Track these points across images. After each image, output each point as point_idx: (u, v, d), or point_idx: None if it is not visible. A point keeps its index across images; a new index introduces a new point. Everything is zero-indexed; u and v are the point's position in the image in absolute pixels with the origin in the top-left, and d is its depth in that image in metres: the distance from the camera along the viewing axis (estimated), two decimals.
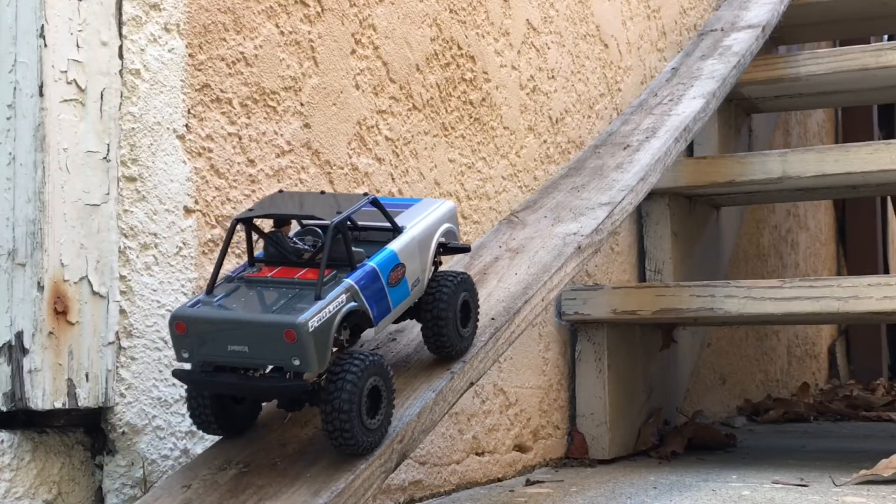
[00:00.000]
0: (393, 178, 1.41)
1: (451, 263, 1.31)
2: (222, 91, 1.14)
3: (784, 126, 3.05)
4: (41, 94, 0.96)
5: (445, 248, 1.04)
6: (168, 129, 1.08)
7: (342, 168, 1.32)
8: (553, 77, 1.80)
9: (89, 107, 1.00)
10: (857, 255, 3.80)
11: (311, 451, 0.96)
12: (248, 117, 1.18)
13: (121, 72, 1.03)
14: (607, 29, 2.01)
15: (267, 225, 0.99)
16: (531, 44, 1.75)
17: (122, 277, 1.02)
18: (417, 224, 1.00)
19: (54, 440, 0.99)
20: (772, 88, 2.36)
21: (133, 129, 1.04)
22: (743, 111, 2.49)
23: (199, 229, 1.11)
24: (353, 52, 1.35)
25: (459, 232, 1.08)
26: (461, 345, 1.04)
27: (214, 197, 1.13)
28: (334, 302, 0.86)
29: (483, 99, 1.61)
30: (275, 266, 0.91)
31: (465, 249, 1.05)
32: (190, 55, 1.11)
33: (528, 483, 1.57)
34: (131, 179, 1.04)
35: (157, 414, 1.05)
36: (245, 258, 1.00)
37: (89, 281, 0.99)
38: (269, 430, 1.00)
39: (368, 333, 0.94)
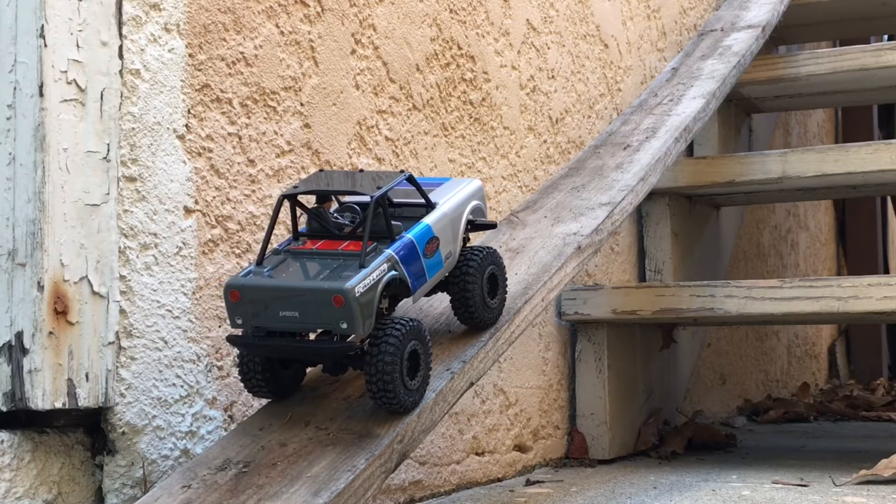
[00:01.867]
0: None
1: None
2: (222, 91, 1.15)
3: (784, 126, 3.05)
4: (41, 94, 0.96)
5: (473, 225, 1.09)
6: (168, 129, 1.08)
7: (342, 168, 1.32)
8: (553, 77, 1.80)
9: (89, 107, 1.00)
10: (857, 255, 3.79)
11: (312, 451, 0.96)
12: (248, 117, 1.18)
13: (121, 72, 1.03)
14: (607, 29, 2.01)
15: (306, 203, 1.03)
16: (531, 44, 1.75)
17: (122, 277, 1.02)
18: (449, 200, 1.06)
19: (54, 440, 0.99)
20: (772, 88, 2.36)
21: (133, 129, 1.04)
22: (743, 111, 2.49)
23: (199, 229, 1.11)
24: (353, 52, 1.35)
25: (487, 209, 1.14)
26: (488, 315, 1.10)
27: (214, 197, 1.13)
28: (377, 270, 0.93)
29: (483, 99, 1.61)
30: (318, 239, 0.98)
31: (492, 226, 1.10)
32: (190, 55, 1.11)
33: (528, 483, 1.57)
34: (131, 179, 1.04)
35: (157, 414, 1.05)
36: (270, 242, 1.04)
37: (89, 281, 0.99)
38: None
39: (406, 303, 1.01)
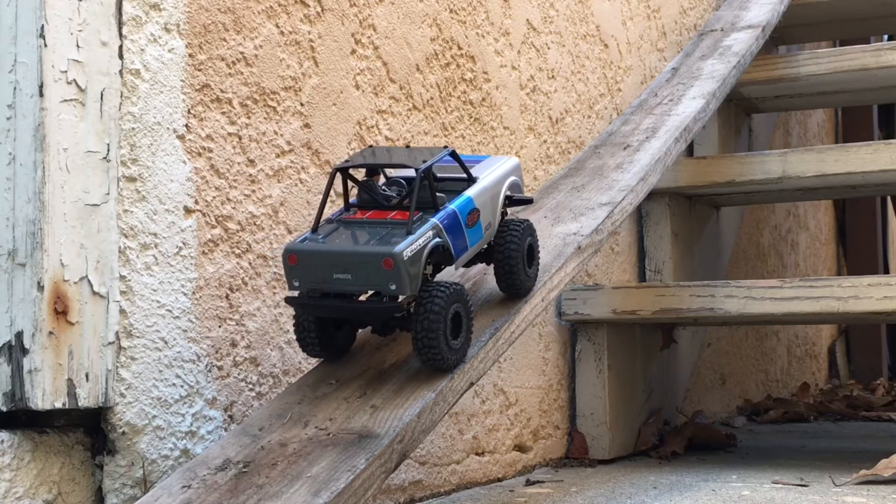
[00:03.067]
0: None
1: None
2: (222, 91, 1.15)
3: (784, 126, 3.05)
4: (41, 94, 0.96)
5: (511, 200, 1.15)
6: (168, 129, 1.08)
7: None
8: (553, 77, 1.80)
9: (89, 107, 1.00)
10: (857, 255, 3.79)
11: (312, 451, 0.96)
12: (248, 117, 1.18)
13: (121, 72, 1.03)
14: (607, 29, 2.01)
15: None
16: (531, 44, 1.75)
17: (122, 277, 1.02)
18: (488, 175, 1.13)
19: (54, 440, 0.99)
20: (772, 88, 2.36)
21: (133, 129, 1.04)
22: (743, 111, 2.49)
23: (199, 229, 1.11)
24: (353, 52, 1.35)
25: (523, 185, 1.19)
26: (528, 283, 1.16)
27: (214, 197, 1.13)
28: (423, 237, 1.00)
29: (483, 99, 1.61)
30: (367, 210, 1.05)
31: (528, 201, 1.17)
32: (190, 55, 1.11)
33: (528, 483, 1.57)
34: (131, 179, 1.04)
35: (157, 414, 1.05)
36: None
37: (89, 281, 0.99)
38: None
39: (448, 271, 1.08)
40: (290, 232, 1.23)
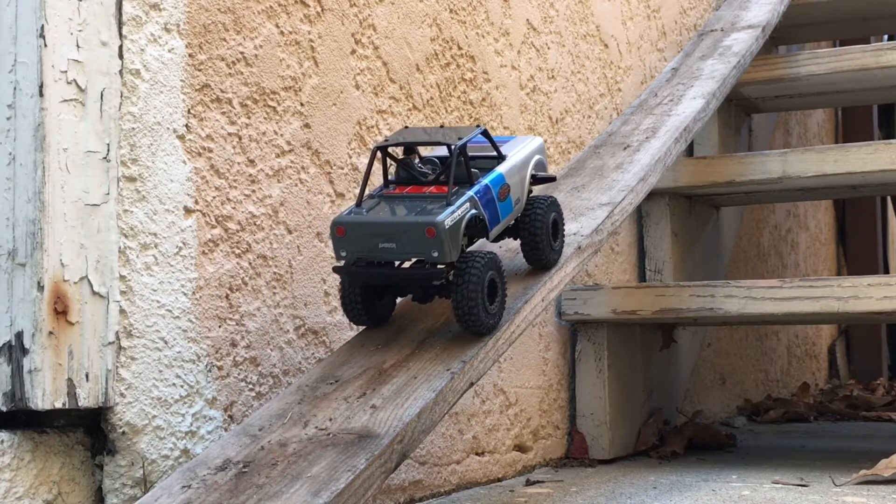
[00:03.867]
0: None
1: None
2: (222, 91, 1.15)
3: (784, 126, 3.05)
4: (41, 94, 0.96)
5: (535, 179, 1.21)
6: (168, 129, 1.08)
7: (342, 168, 1.32)
8: (553, 77, 1.80)
9: (89, 107, 1.00)
10: (857, 255, 3.79)
11: (312, 451, 0.96)
12: (248, 117, 1.18)
13: (121, 72, 1.03)
14: (607, 29, 2.01)
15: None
16: (531, 44, 1.75)
17: (122, 277, 1.02)
18: (517, 154, 1.19)
19: (54, 440, 0.99)
20: (772, 88, 2.36)
21: (133, 129, 1.04)
22: (743, 111, 2.49)
23: (199, 229, 1.11)
24: (353, 52, 1.35)
25: (547, 163, 1.25)
26: (553, 256, 1.22)
27: (214, 197, 1.13)
28: (461, 208, 1.06)
29: (483, 99, 1.61)
30: (406, 186, 1.11)
31: (552, 179, 1.23)
32: (190, 55, 1.11)
33: (528, 483, 1.57)
34: (131, 179, 1.04)
35: (157, 414, 1.05)
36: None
37: (89, 281, 0.99)
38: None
39: (481, 243, 1.14)
40: (289, 232, 1.23)
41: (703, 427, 2.03)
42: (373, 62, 1.38)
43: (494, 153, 1.16)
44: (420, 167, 1.13)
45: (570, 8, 1.87)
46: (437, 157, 1.15)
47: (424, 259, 1.05)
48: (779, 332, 2.98)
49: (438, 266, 1.06)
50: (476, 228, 1.10)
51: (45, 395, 0.95)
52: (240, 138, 1.17)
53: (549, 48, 1.80)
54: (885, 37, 3.45)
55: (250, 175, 1.18)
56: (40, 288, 0.95)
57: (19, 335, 0.95)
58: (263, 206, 1.19)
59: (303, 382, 1.09)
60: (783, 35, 2.62)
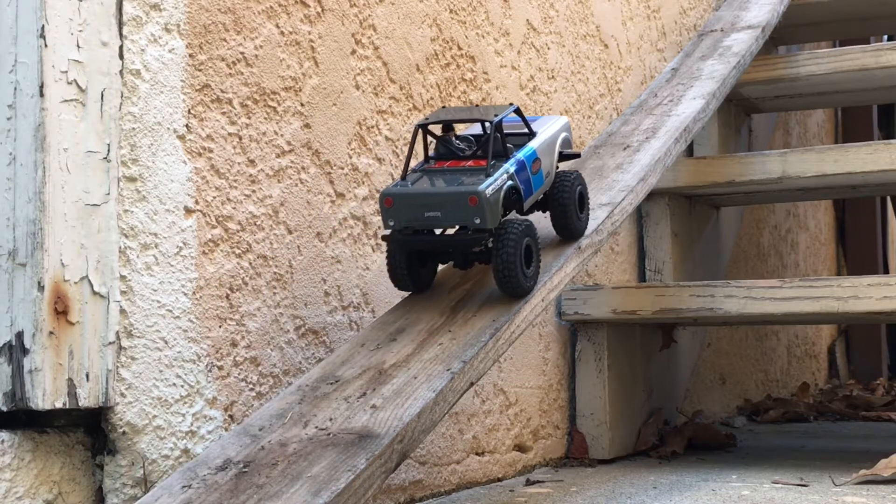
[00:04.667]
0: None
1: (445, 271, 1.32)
2: (222, 91, 1.15)
3: (784, 126, 3.05)
4: (41, 95, 0.96)
5: (561, 155, 1.29)
6: (168, 129, 1.08)
7: (342, 168, 1.32)
8: (553, 77, 1.80)
9: (90, 107, 1.00)
10: (857, 255, 3.79)
11: (312, 451, 0.96)
12: (249, 117, 1.18)
13: (121, 72, 1.03)
14: (607, 29, 2.01)
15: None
16: (531, 44, 1.75)
17: (122, 277, 1.03)
18: (546, 131, 1.26)
19: (55, 440, 0.99)
20: (772, 88, 2.36)
21: (133, 129, 1.04)
22: (743, 111, 2.49)
23: (199, 229, 1.11)
24: (354, 52, 1.35)
25: (573, 141, 1.33)
26: (580, 226, 1.29)
27: (215, 197, 1.13)
28: (500, 179, 1.14)
29: (483, 99, 1.61)
30: (445, 161, 1.18)
31: (577, 155, 1.30)
32: (190, 55, 1.11)
33: (528, 483, 1.57)
34: (131, 179, 1.04)
35: (158, 414, 1.05)
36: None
37: (90, 281, 0.99)
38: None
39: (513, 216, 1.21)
40: (290, 232, 1.23)
41: (703, 427, 2.03)
42: (373, 62, 1.38)
43: (526, 131, 1.24)
44: (457, 143, 1.20)
45: (570, 8, 1.87)
46: (472, 135, 1.22)
47: (467, 226, 1.13)
48: (779, 332, 2.98)
49: (479, 233, 1.13)
50: (511, 200, 1.17)
51: (45, 395, 0.95)
52: (240, 138, 1.17)
53: (549, 48, 1.80)
54: (885, 37, 3.45)
55: (250, 175, 1.18)
56: (41, 288, 0.95)
57: (20, 335, 0.95)
58: (264, 206, 1.19)
59: (303, 382, 1.09)
60: (783, 35, 2.62)
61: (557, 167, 1.28)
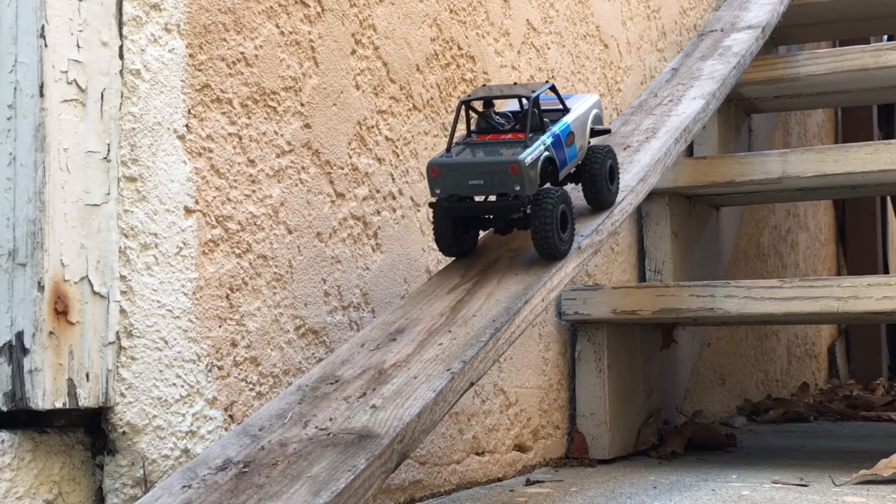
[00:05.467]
0: (393, 178, 1.41)
1: (451, 264, 1.32)
2: (222, 91, 1.15)
3: (784, 126, 3.05)
4: (41, 95, 0.96)
5: (593, 132, 1.36)
6: (168, 129, 1.08)
7: (342, 168, 1.32)
8: (553, 77, 1.80)
9: (90, 107, 1.00)
10: (857, 255, 3.79)
11: (312, 451, 0.96)
12: (249, 117, 1.18)
13: (121, 72, 1.03)
14: (607, 29, 2.01)
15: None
16: (531, 44, 1.75)
17: (122, 277, 1.03)
18: (578, 107, 1.34)
19: (55, 440, 0.99)
20: (772, 88, 2.36)
21: (133, 129, 1.04)
22: (743, 111, 2.49)
23: (199, 229, 1.11)
24: (354, 52, 1.35)
25: (603, 117, 1.41)
26: (611, 198, 1.37)
27: (215, 197, 1.13)
28: (537, 150, 1.22)
29: None
30: (486, 134, 1.26)
31: (607, 131, 1.37)
32: (190, 55, 1.11)
33: (528, 483, 1.57)
34: (132, 179, 1.04)
35: (158, 414, 1.05)
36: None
37: (90, 281, 0.99)
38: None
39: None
40: (290, 232, 1.23)
41: (703, 427, 2.03)
42: (373, 62, 1.38)
43: (560, 107, 1.31)
44: (497, 119, 1.28)
45: (570, 8, 1.87)
46: (510, 112, 1.30)
47: (507, 193, 1.20)
48: (779, 332, 2.98)
49: (518, 200, 1.21)
50: (546, 171, 1.24)
51: (45, 394, 0.95)
52: (240, 138, 1.17)
53: (549, 48, 1.80)
54: (885, 37, 3.45)
55: (250, 175, 1.18)
56: (41, 288, 0.95)
57: (20, 335, 0.95)
58: (264, 206, 1.19)
59: (303, 382, 1.09)
60: (783, 35, 2.62)
61: (589, 142, 1.35)
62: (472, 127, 1.29)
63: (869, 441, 2.18)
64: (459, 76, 1.56)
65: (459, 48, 1.56)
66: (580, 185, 1.35)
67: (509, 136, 1.25)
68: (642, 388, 1.95)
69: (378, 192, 1.38)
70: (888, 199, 4.02)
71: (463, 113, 1.36)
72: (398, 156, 1.42)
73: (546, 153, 1.24)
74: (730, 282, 1.72)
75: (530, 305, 1.19)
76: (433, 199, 1.26)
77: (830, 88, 2.33)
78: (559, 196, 1.23)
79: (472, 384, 1.10)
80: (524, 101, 1.27)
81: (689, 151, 2.27)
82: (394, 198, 1.42)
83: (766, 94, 2.38)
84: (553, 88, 1.29)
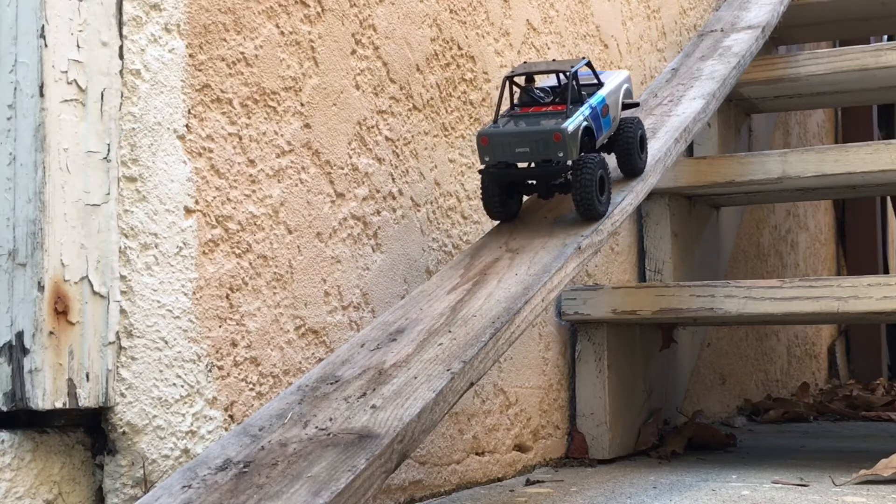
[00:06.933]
0: (393, 178, 1.41)
1: (451, 264, 1.31)
2: (223, 91, 1.15)
3: (784, 126, 3.05)
4: (41, 95, 0.96)
5: (623, 105, 1.45)
6: (168, 129, 1.08)
7: (342, 168, 1.32)
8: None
9: (90, 107, 1.00)
10: (857, 255, 3.79)
11: (312, 451, 0.96)
12: (249, 117, 1.18)
13: (121, 72, 1.03)
14: (607, 29, 2.01)
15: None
16: (531, 44, 1.75)
17: (122, 277, 1.03)
18: (611, 81, 1.44)
19: (55, 440, 0.99)
20: (772, 88, 2.36)
21: (133, 129, 1.04)
22: (743, 111, 2.49)
23: (199, 229, 1.11)
24: (354, 52, 1.35)
25: (633, 91, 1.51)
26: (641, 165, 1.47)
27: (215, 197, 1.13)
28: (577, 120, 1.31)
29: (483, 99, 1.61)
30: (528, 107, 1.35)
31: (637, 104, 1.48)
32: (190, 55, 1.11)
33: (528, 483, 1.57)
34: (132, 179, 1.04)
35: (158, 414, 1.05)
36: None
37: (90, 281, 0.99)
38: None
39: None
40: (290, 232, 1.23)
41: (703, 427, 2.03)
42: (373, 62, 1.38)
43: (595, 81, 1.40)
44: (538, 93, 1.37)
45: (570, 8, 1.87)
46: (548, 87, 1.39)
47: (551, 160, 1.30)
48: (779, 332, 2.98)
49: (560, 166, 1.30)
50: (585, 140, 1.33)
51: (45, 395, 0.95)
52: (240, 138, 1.17)
53: (549, 48, 1.80)
54: (885, 37, 3.45)
55: (250, 175, 1.18)
56: (41, 288, 0.95)
57: (20, 335, 0.95)
58: (264, 206, 1.19)
59: (303, 382, 1.09)
60: (783, 35, 2.62)
61: (620, 115, 1.45)
62: (515, 101, 1.37)
63: (869, 441, 2.18)
64: (459, 76, 1.56)
65: (459, 48, 1.56)
66: (612, 153, 1.44)
67: (550, 108, 1.34)
68: (642, 389, 1.95)
69: (378, 192, 1.38)
70: (888, 199, 4.02)
71: (507, 89, 1.45)
72: (398, 156, 1.42)
73: (585, 123, 1.33)
74: (730, 282, 1.72)
75: (530, 305, 1.19)
76: (482, 167, 1.35)
77: (830, 88, 2.33)
78: (598, 162, 1.31)
79: (472, 384, 1.10)
80: (563, 76, 1.35)
81: (690, 151, 2.27)
82: (394, 198, 1.42)
83: (766, 94, 2.38)
84: (589, 64, 1.38)
